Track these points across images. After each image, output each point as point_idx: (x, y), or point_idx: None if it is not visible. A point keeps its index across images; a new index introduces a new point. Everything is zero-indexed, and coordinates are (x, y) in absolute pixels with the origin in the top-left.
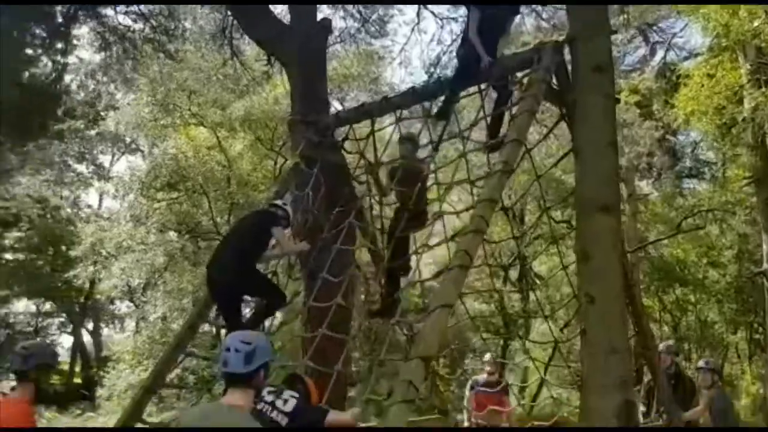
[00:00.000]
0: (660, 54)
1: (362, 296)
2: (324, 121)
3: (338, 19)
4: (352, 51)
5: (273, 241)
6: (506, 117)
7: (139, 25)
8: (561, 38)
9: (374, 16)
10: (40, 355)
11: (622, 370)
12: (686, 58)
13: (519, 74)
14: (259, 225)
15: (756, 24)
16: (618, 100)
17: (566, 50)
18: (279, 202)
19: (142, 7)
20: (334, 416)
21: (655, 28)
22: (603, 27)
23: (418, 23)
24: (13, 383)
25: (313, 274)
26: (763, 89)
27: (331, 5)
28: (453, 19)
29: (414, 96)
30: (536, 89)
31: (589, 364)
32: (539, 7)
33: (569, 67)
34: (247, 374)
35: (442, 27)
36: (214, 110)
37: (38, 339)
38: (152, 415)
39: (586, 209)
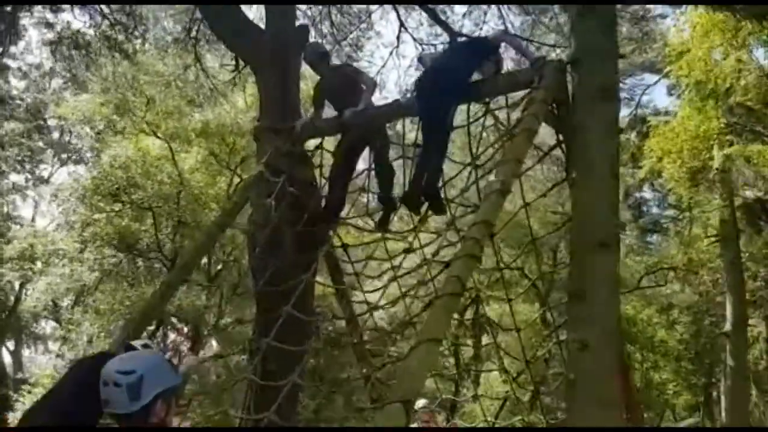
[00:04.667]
0: (626, 110)
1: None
2: (295, 130)
3: (312, 37)
4: None
5: None
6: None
7: (95, 21)
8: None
9: (350, 37)
10: None
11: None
12: (654, 115)
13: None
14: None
15: (728, 84)
16: (621, 130)
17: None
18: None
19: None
20: None
21: (621, 84)
22: (611, 49)
23: (397, 47)
24: None
25: (270, 303)
26: (737, 139)
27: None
28: (433, 45)
29: (395, 110)
30: (537, 109)
31: (578, 420)
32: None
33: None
34: (137, 413)
35: (422, 53)
36: (170, 120)
37: None
38: None
39: (583, 245)
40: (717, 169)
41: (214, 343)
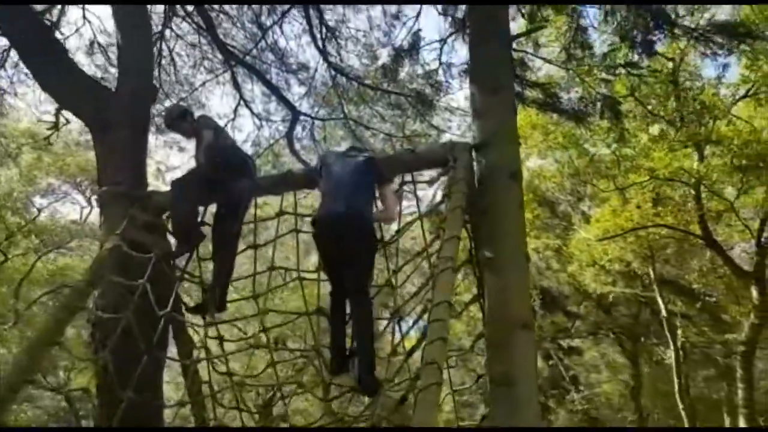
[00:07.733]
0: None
1: None
2: (156, 199)
3: None
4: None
5: None
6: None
7: None
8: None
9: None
10: None
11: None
12: None
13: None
14: None
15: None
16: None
17: None
18: None
19: None
20: None
21: None
22: (514, 133)
23: (233, 119)
24: None
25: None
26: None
27: None
28: (271, 120)
29: (286, 182)
30: (461, 186)
31: None
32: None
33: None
34: None
35: (260, 128)
36: None
37: None
38: None
39: (503, 327)
40: None
41: None
